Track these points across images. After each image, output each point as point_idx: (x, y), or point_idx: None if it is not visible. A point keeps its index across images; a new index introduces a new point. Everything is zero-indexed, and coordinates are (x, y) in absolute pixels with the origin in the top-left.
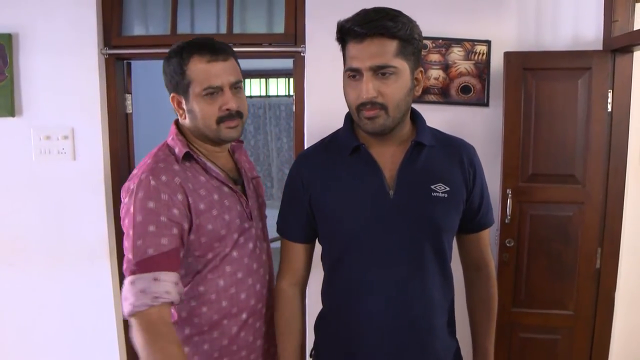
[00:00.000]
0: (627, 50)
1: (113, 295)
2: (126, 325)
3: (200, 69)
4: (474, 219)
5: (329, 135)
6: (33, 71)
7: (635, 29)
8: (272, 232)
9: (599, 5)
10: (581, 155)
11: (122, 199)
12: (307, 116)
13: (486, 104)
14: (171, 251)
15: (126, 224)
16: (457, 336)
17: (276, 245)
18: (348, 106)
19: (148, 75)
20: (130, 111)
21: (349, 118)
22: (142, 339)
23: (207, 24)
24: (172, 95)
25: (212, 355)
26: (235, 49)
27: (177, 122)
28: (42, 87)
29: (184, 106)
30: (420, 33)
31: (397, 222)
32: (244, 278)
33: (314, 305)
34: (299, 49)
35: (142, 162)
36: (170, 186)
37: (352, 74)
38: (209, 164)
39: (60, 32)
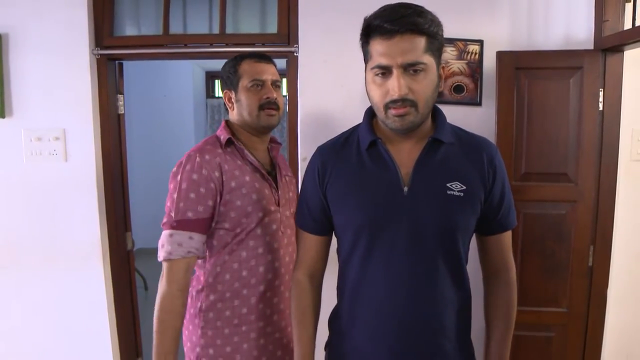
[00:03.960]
0: (618, 49)
1: (106, 296)
2: (119, 326)
3: (249, 67)
4: (493, 220)
5: (348, 129)
6: (24, 72)
7: (625, 29)
8: None
9: (589, 5)
10: (573, 154)
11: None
12: (300, 116)
13: (479, 104)
14: (204, 219)
15: (171, 187)
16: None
17: None
18: (373, 104)
19: (140, 75)
20: (123, 112)
21: (368, 114)
22: (166, 282)
23: (199, 24)
24: (224, 91)
25: (232, 322)
26: (227, 49)
27: (226, 121)
28: (33, 87)
29: (233, 99)
30: (442, 29)
31: (410, 219)
32: (264, 254)
33: (327, 300)
34: (292, 49)
35: (196, 145)
36: (210, 164)
37: (380, 71)
38: (246, 151)
39: (51, 33)
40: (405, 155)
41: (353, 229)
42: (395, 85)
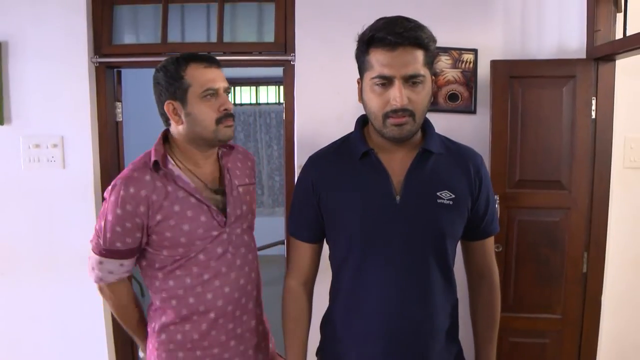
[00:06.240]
0: (610, 58)
1: (103, 303)
2: (117, 332)
3: (199, 74)
4: (478, 226)
5: (340, 138)
6: (23, 79)
7: (617, 38)
8: (262, 239)
9: (582, 15)
10: (567, 162)
11: None
12: (297, 124)
13: (473, 112)
14: (133, 248)
15: (101, 210)
16: (461, 341)
17: (270, 252)
18: (370, 113)
19: (138, 83)
20: (121, 119)
21: (359, 123)
22: (112, 303)
23: (197, 33)
24: (167, 102)
25: (185, 346)
26: (225, 58)
27: (165, 132)
28: (31, 95)
29: (180, 112)
30: (436, 43)
31: (402, 227)
32: (211, 280)
33: (319, 305)
34: (289, 58)
35: (128, 165)
36: (135, 198)
37: (381, 81)
38: (181, 174)
39: (50, 40)
40: (397, 165)
41: (347, 237)
42: (397, 96)
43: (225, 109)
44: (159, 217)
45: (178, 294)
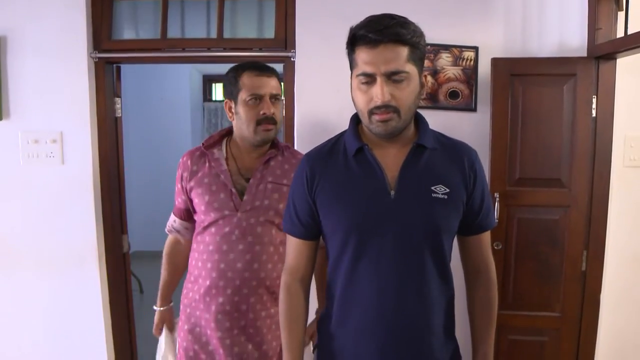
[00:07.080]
0: (611, 57)
1: (101, 299)
2: (115, 329)
3: (249, 80)
4: (474, 221)
5: (335, 136)
6: (21, 74)
7: (618, 37)
8: None
9: (583, 13)
10: (567, 160)
11: None
12: (297, 120)
13: (474, 109)
14: (181, 209)
15: None
16: (458, 337)
17: None
18: (358, 110)
19: (138, 79)
20: (120, 115)
21: (354, 120)
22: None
23: (197, 29)
24: (225, 100)
25: (191, 304)
26: (225, 54)
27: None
28: (30, 90)
29: (233, 110)
30: (425, 39)
31: (397, 222)
32: (212, 252)
33: (316, 303)
34: (289, 54)
35: None
36: (184, 165)
37: (365, 79)
38: (220, 157)
39: (49, 36)
40: (390, 160)
41: (342, 233)
42: (378, 93)
43: (264, 113)
44: (192, 184)
45: (195, 255)
